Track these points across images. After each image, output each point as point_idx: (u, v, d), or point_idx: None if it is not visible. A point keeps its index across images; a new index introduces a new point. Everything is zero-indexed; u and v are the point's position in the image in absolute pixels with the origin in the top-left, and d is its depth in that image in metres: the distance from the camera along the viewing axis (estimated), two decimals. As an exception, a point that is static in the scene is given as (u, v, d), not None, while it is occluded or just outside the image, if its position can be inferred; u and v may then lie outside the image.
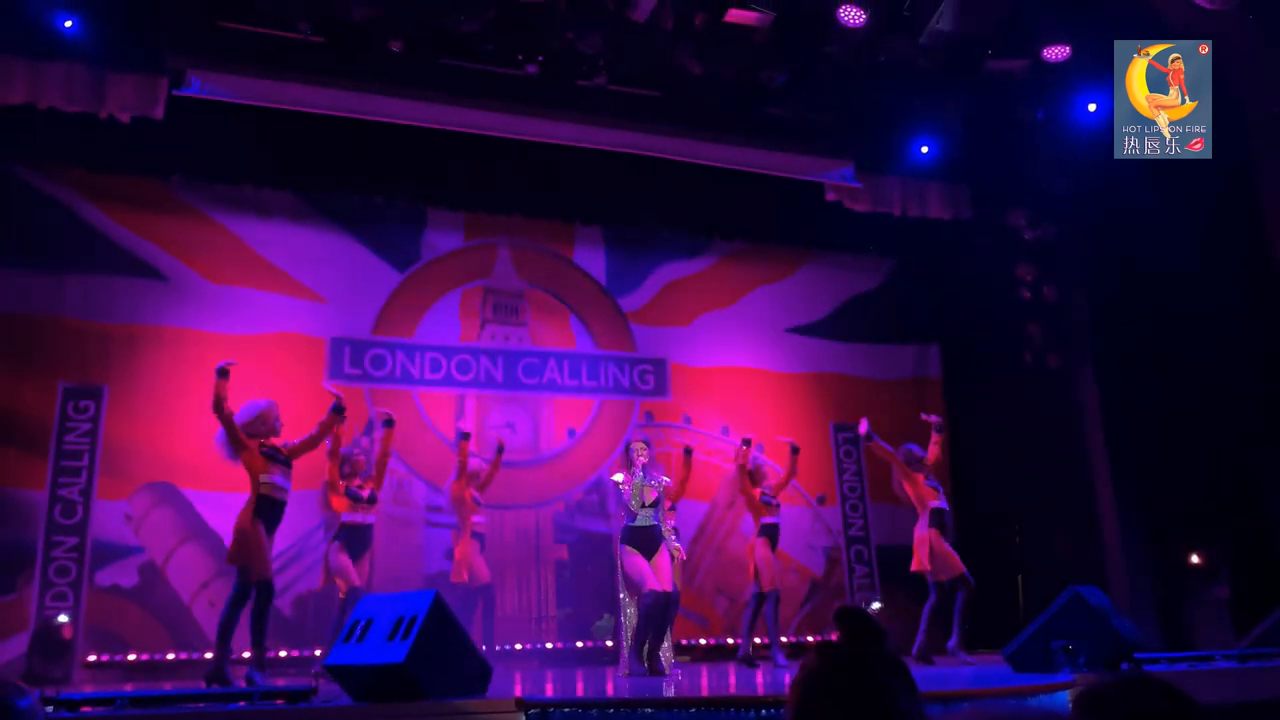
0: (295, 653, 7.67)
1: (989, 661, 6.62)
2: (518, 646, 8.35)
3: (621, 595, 6.49)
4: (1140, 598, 8.44)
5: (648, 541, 6.26)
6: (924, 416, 7.52)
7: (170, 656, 7.48)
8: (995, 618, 8.39)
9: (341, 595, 6.54)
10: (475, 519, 7.42)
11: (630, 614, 6.37)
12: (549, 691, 5.20)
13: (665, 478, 6.60)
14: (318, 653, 7.52)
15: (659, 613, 6.10)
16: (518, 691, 4.30)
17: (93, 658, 7.28)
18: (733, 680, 5.89)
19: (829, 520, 9.71)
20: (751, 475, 7.32)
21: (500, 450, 7.76)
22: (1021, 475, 9.20)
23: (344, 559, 6.55)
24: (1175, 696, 1.34)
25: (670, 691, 4.85)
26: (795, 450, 7.56)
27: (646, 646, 6.10)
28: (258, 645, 5.48)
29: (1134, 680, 1.39)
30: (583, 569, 8.83)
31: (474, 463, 7.57)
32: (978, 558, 7.78)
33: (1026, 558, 9.11)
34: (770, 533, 7.24)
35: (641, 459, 6.36)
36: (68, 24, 7.16)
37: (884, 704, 1.34)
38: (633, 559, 6.21)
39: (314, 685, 4.40)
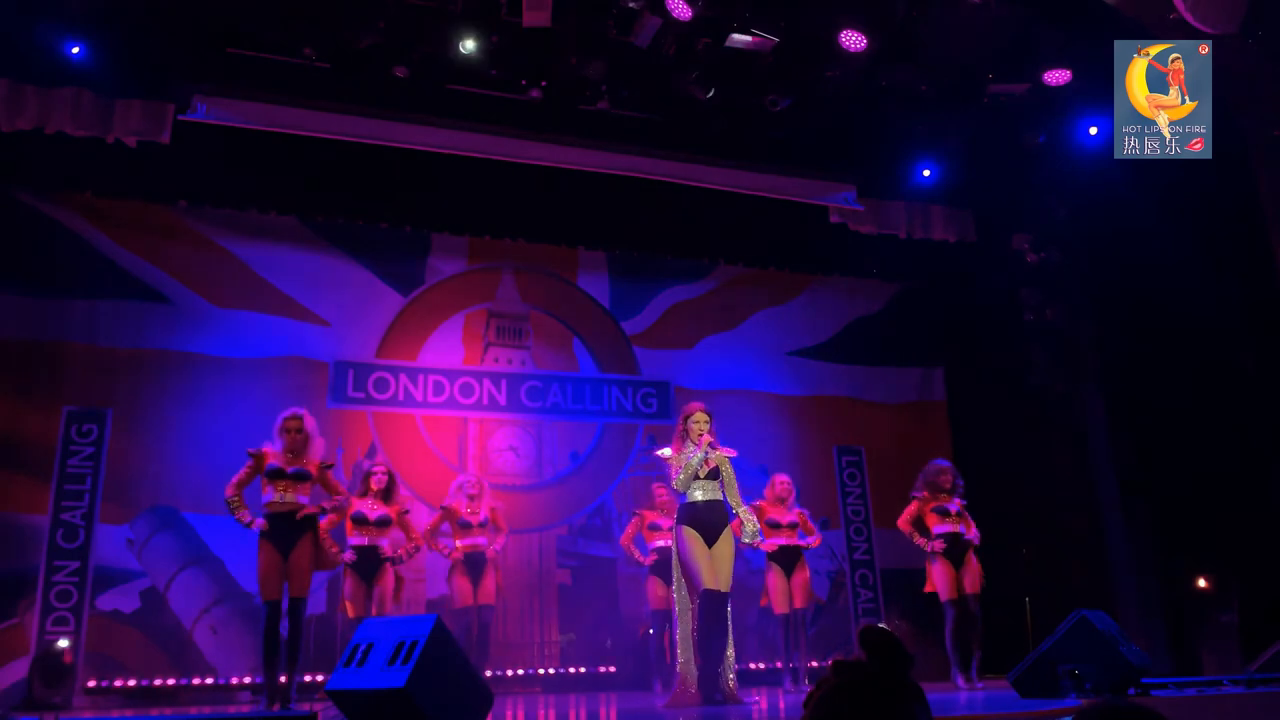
0: (298, 677, 7.60)
1: (994, 686, 6.56)
2: (520, 672, 8.28)
3: (675, 596, 5.26)
4: (1148, 622, 8.37)
5: (709, 522, 5.08)
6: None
7: (170, 682, 7.43)
8: (1001, 642, 8.32)
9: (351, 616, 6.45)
10: (461, 541, 6.96)
11: (686, 620, 5.16)
12: None
13: (731, 451, 5.45)
14: (320, 678, 7.47)
15: (716, 618, 4.92)
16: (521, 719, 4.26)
17: (93, 683, 7.23)
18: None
19: (833, 544, 9.64)
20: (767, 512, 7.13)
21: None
22: (1027, 499, 9.15)
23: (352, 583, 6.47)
24: None
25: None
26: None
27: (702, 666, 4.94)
28: (269, 669, 5.47)
29: (1125, 709, 1.37)
30: (585, 594, 8.77)
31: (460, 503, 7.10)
32: (984, 582, 7.71)
33: (1033, 582, 9.05)
34: (778, 559, 7.16)
35: (702, 433, 5.27)
36: (75, 50, 7.23)
37: None
38: (689, 546, 5.01)
39: (314, 710, 4.37)
